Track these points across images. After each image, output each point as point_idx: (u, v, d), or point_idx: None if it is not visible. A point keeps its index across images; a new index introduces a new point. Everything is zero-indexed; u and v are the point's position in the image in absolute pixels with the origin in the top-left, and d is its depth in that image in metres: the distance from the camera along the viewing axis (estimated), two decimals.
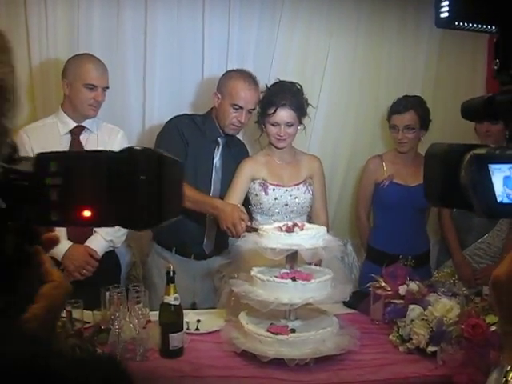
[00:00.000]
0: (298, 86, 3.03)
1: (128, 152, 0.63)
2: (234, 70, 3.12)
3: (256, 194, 3.03)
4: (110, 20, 3.38)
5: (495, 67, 0.76)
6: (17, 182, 0.62)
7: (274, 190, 3.01)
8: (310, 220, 3.12)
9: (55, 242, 0.69)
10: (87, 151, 0.57)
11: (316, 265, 2.55)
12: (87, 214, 0.61)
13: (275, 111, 2.94)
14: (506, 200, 0.65)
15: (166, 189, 0.64)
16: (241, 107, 2.99)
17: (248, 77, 3.04)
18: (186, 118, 3.14)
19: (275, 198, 3.01)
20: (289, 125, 2.97)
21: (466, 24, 0.79)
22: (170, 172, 0.68)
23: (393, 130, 3.32)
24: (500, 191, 0.65)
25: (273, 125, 2.98)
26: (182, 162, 2.97)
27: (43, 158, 0.62)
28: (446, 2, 0.78)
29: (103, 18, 3.36)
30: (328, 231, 2.45)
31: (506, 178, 0.66)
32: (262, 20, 3.59)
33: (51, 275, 0.67)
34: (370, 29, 3.71)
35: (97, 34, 3.36)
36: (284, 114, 2.94)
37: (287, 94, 2.95)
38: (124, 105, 3.48)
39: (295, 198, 3.03)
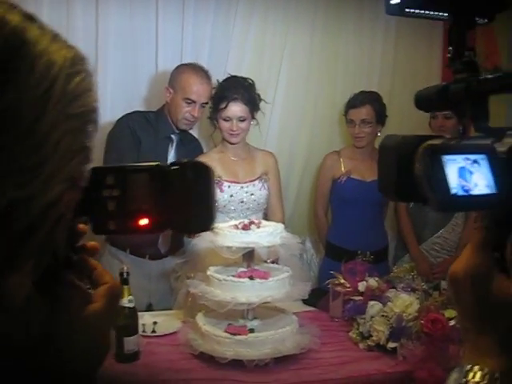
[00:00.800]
0: (250, 81, 3.00)
1: (179, 165, 0.70)
2: (185, 64, 3.07)
3: None
4: (60, 18, 3.25)
5: (448, 55, 0.74)
6: None
7: (229, 186, 2.97)
8: (265, 217, 3.08)
9: (97, 249, 0.72)
10: (141, 164, 0.61)
11: (273, 262, 2.50)
12: (144, 222, 0.66)
13: (227, 106, 2.90)
14: (460, 192, 0.61)
15: (212, 194, 0.71)
16: (193, 101, 2.95)
17: (200, 70, 3.00)
18: (138, 115, 3.08)
19: (231, 195, 2.96)
20: (241, 119, 2.93)
21: (417, 11, 0.76)
22: (213, 180, 0.73)
23: (349, 124, 3.32)
24: (455, 183, 0.62)
25: (225, 120, 2.93)
26: (134, 160, 2.94)
27: (99, 172, 0.67)
28: None
29: (52, 17, 3.22)
30: (284, 228, 2.41)
31: (461, 169, 0.62)
32: (217, 14, 3.54)
33: (104, 278, 0.69)
34: (326, 22, 3.70)
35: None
36: (236, 109, 2.91)
37: (239, 89, 2.92)
38: None
39: (251, 194, 2.99)
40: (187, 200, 0.68)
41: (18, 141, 0.50)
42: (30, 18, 0.55)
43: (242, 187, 2.99)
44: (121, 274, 2.17)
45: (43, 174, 0.51)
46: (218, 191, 2.96)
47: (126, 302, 2.16)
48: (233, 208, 2.97)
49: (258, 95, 3.03)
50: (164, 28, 3.43)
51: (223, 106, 2.91)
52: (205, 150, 3.28)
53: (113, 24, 3.35)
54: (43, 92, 0.51)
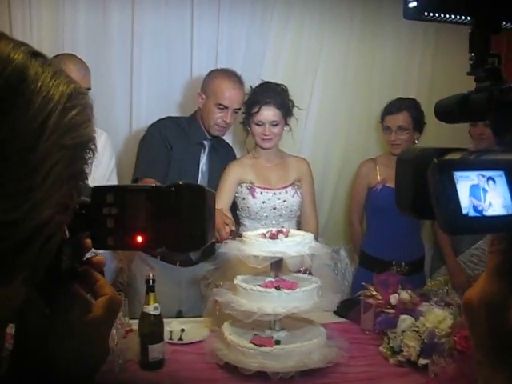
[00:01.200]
0: (283, 87, 2.98)
1: (175, 186, 0.72)
2: (218, 70, 3.06)
3: (243, 198, 2.95)
4: (96, 20, 3.30)
5: (470, 62, 0.68)
6: (76, 211, 0.69)
7: (261, 193, 2.93)
8: (299, 225, 3.03)
9: (102, 263, 0.78)
10: (139, 185, 0.68)
11: (304, 272, 2.45)
12: (139, 239, 0.71)
13: (259, 110, 2.89)
14: (472, 213, 0.55)
15: (206, 217, 0.73)
16: (226, 107, 2.93)
17: (233, 76, 2.98)
18: (170, 121, 3.07)
19: (263, 202, 2.93)
20: (274, 124, 2.91)
21: (436, 14, 0.70)
22: (210, 203, 0.76)
23: (386, 131, 3.25)
24: (466, 203, 0.56)
25: (257, 124, 2.92)
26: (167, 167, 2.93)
27: (100, 190, 0.72)
28: None
29: (89, 18, 3.28)
30: (317, 237, 2.36)
31: (474, 187, 0.56)
32: (253, 18, 3.52)
33: (105, 289, 0.75)
34: (363, 28, 3.63)
35: (82, 35, 3.29)
36: (269, 113, 2.90)
37: (271, 93, 2.91)
38: (110, 107, 3.39)
39: (284, 201, 2.95)
40: (180, 220, 0.72)
41: (12, 168, 0.54)
42: (35, 55, 0.59)
43: (274, 193, 2.96)
44: (147, 281, 2.16)
45: (33, 199, 0.55)
46: (250, 197, 2.93)
47: (152, 309, 2.14)
48: (265, 215, 2.93)
49: (291, 101, 3.00)
50: (199, 33, 3.43)
51: (256, 110, 2.90)
52: (238, 156, 3.26)
53: (148, 26, 3.36)
54: (39, 124, 0.56)
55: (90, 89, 2.86)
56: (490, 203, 0.56)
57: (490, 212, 0.56)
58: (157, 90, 3.44)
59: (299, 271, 2.44)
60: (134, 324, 2.25)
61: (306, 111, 3.44)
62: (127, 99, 3.41)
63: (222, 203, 2.89)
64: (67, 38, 3.25)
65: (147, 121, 3.30)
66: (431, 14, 0.70)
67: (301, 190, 3.03)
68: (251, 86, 3.04)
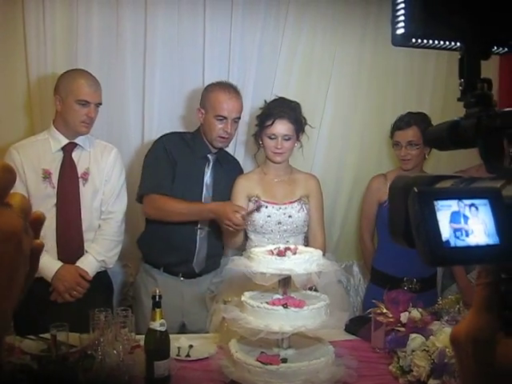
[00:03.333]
0: (297, 104, 3.02)
1: None
2: (213, 83, 3.10)
3: None
4: (109, 34, 3.32)
5: (460, 88, 0.67)
6: None
7: (266, 207, 2.93)
8: (306, 241, 3.02)
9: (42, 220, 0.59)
10: None
11: (310, 289, 2.43)
12: None
13: (273, 123, 2.92)
14: (453, 242, 0.53)
15: None
16: (225, 117, 2.96)
17: (228, 86, 3.03)
18: (175, 135, 3.11)
19: (268, 216, 2.93)
20: (286, 138, 2.93)
21: (425, 41, 0.69)
22: None
23: (396, 146, 3.24)
24: (447, 232, 0.54)
25: (270, 137, 2.95)
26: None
27: None
28: (402, 17, 0.69)
29: (102, 31, 3.30)
30: (324, 254, 2.34)
31: (454, 214, 0.54)
32: (265, 30, 3.50)
33: None
34: (376, 41, 3.57)
35: (96, 48, 3.30)
36: (282, 127, 2.93)
37: (285, 108, 2.95)
38: (123, 120, 3.41)
39: (289, 216, 2.95)
40: None
41: None
42: None
43: (279, 208, 2.96)
44: (153, 297, 2.15)
45: None
46: (255, 211, 2.93)
47: (158, 325, 2.13)
48: (270, 229, 2.93)
49: (304, 118, 3.04)
50: (211, 43, 3.42)
51: (269, 123, 2.93)
52: (246, 170, 3.27)
53: (161, 39, 3.37)
54: None
55: (100, 104, 2.89)
56: (471, 231, 0.54)
57: (472, 240, 0.54)
58: (169, 103, 3.45)
59: (310, 288, 2.43)
60: (141, 339, 2.24)
61: (318, 126, 3.42)
62: (139, 112, 3.42)
63: None
64: (80, 53, 3.25)
65: (159, 133, 3.32)
66: (419, 41, 0.69)
67: (307, 206, 3.02)
68: (266, 101, 3.08)
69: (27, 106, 3.31)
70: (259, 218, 2.91)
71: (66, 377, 2.13)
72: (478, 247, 0.54)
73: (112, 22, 3.31)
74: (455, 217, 0.54)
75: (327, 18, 3.53)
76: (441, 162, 3.52)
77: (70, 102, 2.79)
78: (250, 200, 2.98)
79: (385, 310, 2.48)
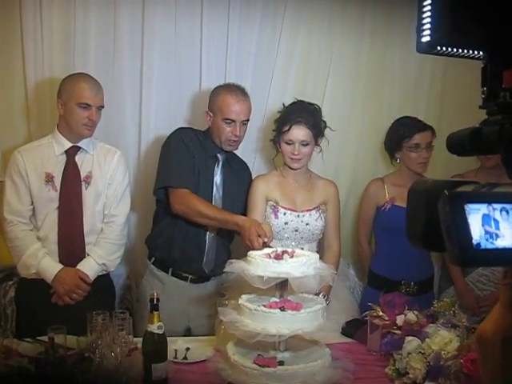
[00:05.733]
0: (316, 107, 2.99)
1: None
2: (221, 86, 3.07)
3: (266, 217, 2.94)
4: (107, 36, 3.33)
5: (482, 96, 0.68)
6: None
7: (284, 214, 2.93)
8: (319, 247, 3.03)
9: None
10: None
11: (323, 294, 2.44)
12: None
13: (290, 128, 2.89)
14: (484, 244, 0.55)
15: None
16: (233, 120, 2.94)
17: (236, 89, 3.00)
18: (190, 131, 3.08)
19: (285, 223, 2.93)
20: (304, 144, 2.91)
21: (449, 49, 0.71)
22: None
23: (411, 149, 3.20)
24: (477, 234, 0.55)
25: (287, 143, 2.92)
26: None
27: None
28: (428, 25, 0.70)
29: (99, 34, 3.31)
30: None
31: (485, 217, 0.56)
32: (262, 31, 3.52)
33: None
34: (372, 42, 3.62)
35: (93, 50, 3.31)
36: (299, 132, 2.89)
37: (303, 113, 2.91)
38: (120, 121, 3.41)
39: (306, 224, 2.95)
40: None
41: None
42: None
43: (298, 215, 2.95)
44: (151, 300, 2.15)
45: None
46: (272, 217, 2.93)
47: (155, 328, 2.13)
48: (286, 236, 2.93)
49: (324, 121, 3.00)
50: (208, 46, 3.44)
51: (286, 128, 2.90)
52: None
53: (158, 43, 3.38)
54: None
55: (102, 107, 2.90)
56: (502, 234, 0.56)
57: (501, 243, 0.56)
58: (166, 104, 3.46)
59: (318, 293, 2.46)
60: (139, 342, 2.25)
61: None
62: (136, 114, 3.43)
63: (259, 220, 2.86)
64: (78, 57, 3.28)
65: (156, 134, 3.35)
66: (444, 49, 0.70)
67: (325, 214, 3.02)
68: (284, 104, 3.05)
69: (25, 110, 3.31)
70: (276, 224, 2.91)
71: (63, 379, 2.13)
72: (506, 249, 0.55)
73: (109, 24, 3.32)
74: (486, 220, 0.56)
75: (324, 20, 3.55)
76: (437, 167, 3.53)
77: (71, 105, 2.80)
78: (267, 203, 2.96)
79: (381, 313, 2.50)
